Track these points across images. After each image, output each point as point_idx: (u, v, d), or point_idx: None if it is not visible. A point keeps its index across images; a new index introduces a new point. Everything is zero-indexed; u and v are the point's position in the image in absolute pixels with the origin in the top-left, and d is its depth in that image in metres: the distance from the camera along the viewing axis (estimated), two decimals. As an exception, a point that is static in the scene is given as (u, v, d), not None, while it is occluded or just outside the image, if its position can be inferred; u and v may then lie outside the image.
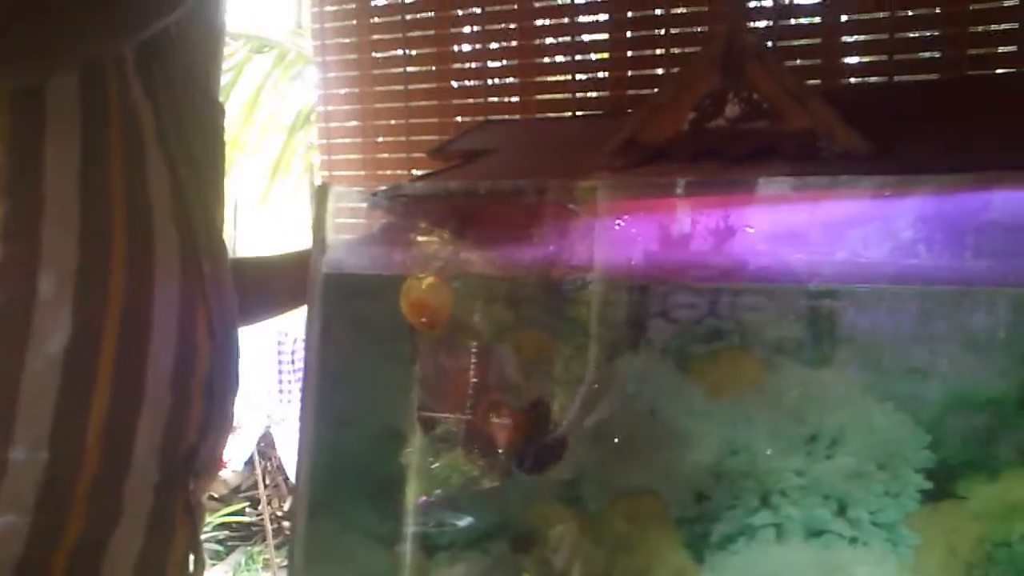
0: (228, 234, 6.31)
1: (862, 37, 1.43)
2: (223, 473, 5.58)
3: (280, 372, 5.20)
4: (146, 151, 0.81)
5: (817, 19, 1.46)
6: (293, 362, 5.19)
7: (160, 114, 0.83)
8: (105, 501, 0.78)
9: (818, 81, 1.41)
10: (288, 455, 5.36)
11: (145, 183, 0.81)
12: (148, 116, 0.82)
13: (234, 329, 0.93)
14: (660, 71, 1.55)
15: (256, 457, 5.43)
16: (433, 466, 1.21)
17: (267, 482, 5.66)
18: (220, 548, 5.50)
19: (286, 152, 4.20)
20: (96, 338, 0.76)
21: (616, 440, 1.14)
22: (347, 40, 1.77)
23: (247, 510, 5.54)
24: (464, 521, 1.20)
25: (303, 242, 1.11)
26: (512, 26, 1.64)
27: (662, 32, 1.55)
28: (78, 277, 0.75)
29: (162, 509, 0.84)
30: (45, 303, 0.73)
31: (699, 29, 1.50)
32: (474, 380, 1.18)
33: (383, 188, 1.12)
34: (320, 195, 1.07)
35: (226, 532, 5.54)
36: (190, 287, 0.83)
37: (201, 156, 0.91)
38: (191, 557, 0.92)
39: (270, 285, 1.21)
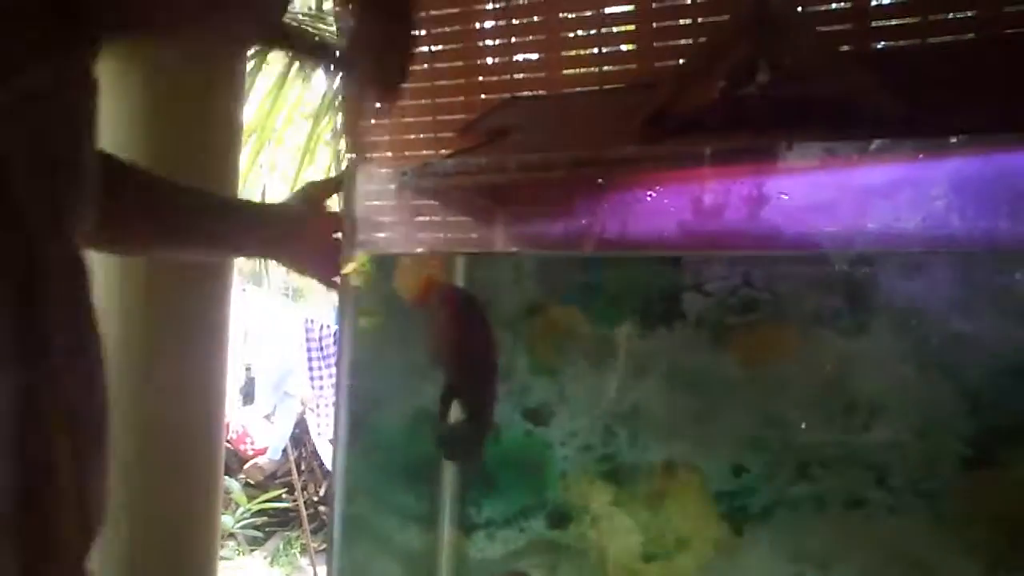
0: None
1: (894, -1, 1.41)
2: (259, 460, 5.64)
3: (310, 359, 5.22)
4: None
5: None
6: (322, 349, 5.21)
7: None
8: None
9: (848, 47, 1.38)
10: (322, 441, 5.40)
11: None
12: None
13: (104, 419, 0.61)
14: (687, 41, 1.53)
15: (289, 445, 5.47)
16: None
17: (302, 468, 5.70)
18: (259, 534, 5.55)
19: (312, 139, 4.19)
20: None
21: (651, 414, 1.13)
22: (370, 21, 1.76)
23: (283, 496, 5.59)
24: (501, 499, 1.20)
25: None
26: (536, 0, 1.62)
27: (688, 2, 1.53)
28: None
29: None
30: None
31: (725, -2, 1.48)
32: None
33: (412, 167, 1.12)
34: (349, 174, 1.06)
35: (264, 518, 5.59)
36: (30, 385, 0.52)
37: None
38: None
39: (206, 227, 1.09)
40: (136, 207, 0.95)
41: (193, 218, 1.06)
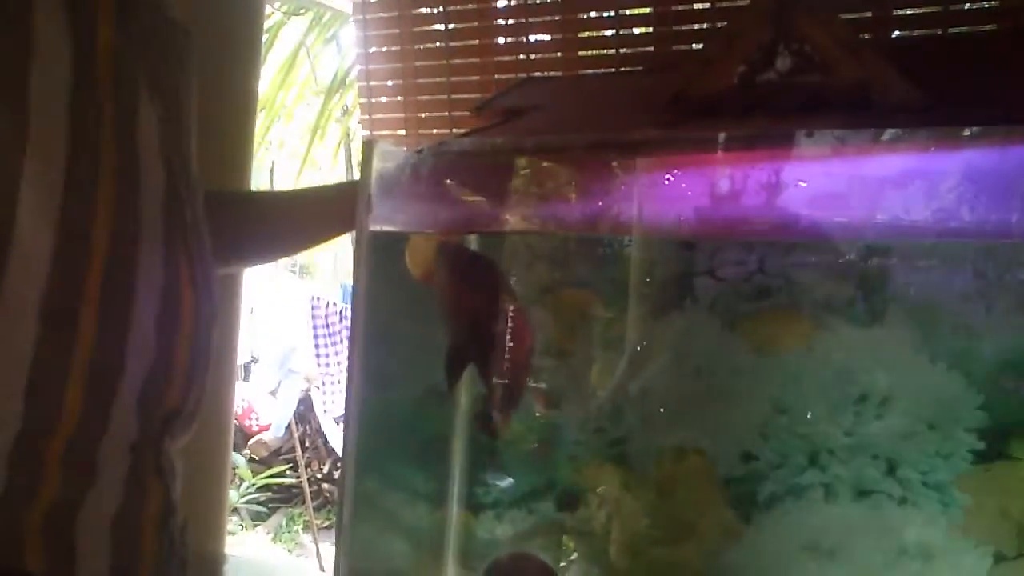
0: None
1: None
2: (264, 436, 5.66)
3: (316, 337, 5.24)
4: (137, 89, 0.76)
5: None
6: (328, 326, 5.22)
7: (147, 45, 0.79)
8: (81, 461, 0.73)
9: (868, 35, 1.37)
10: (327, 418, 5.42)
11: (135, 122, 0.75)
12: (136, 51, 0.77)
13: (214, 280, 0.87)
14: (705, 25, 1.52)
15: (294, 421, 5.49)
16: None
17: (306, 445, 5.73)
18: (262, 510, 5.58)
19: (323, 115, 4.19)
20: (78, 285, 0.70)
21: (662, 398, 1.13)
22: (387, -3, 1.76)
23: (287, 472, 5.62)
24: (509, 480, 1.20)
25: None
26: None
27: (707, -15, 1.52)
28: (60, 219, 0.69)
29: (138, 470, 0.79)
30: (23, 245, 0.67)
31: (744, -17, 1.47)
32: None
33: (427, 145, 1.11)
34: (365, 152, 1.06)
35: (268, 494, 5.62)
36: (173, 235, 0.79)
37: (178, 90, 0.87)
38: (169, 517, 0.86)
39: (290, 219, 1.21)
40: (267, 225, 1.19)
41: (311, 215, 1.22)
